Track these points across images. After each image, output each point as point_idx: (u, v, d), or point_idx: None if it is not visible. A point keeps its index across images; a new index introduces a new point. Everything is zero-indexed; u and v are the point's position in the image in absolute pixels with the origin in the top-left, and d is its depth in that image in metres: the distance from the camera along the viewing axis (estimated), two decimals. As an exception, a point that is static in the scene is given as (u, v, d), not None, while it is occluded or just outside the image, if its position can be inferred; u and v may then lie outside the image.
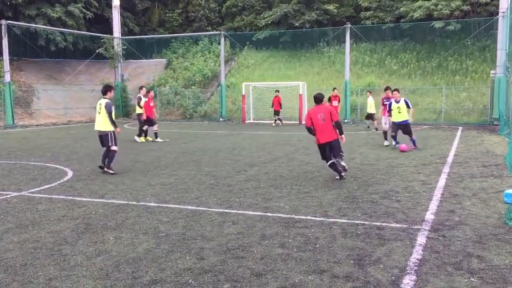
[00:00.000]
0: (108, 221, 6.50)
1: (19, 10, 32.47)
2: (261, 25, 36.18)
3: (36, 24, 31.36)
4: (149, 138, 17.84)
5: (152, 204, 7.49)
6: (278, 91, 25.91)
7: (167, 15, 41.76)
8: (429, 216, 6.59)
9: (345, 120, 26.30)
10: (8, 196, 8.13)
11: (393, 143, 14.59)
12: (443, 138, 17.87)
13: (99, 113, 10.43)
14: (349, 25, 27.86)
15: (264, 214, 6.79)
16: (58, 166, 11.46)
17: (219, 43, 33.27)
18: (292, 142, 17.06)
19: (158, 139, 17.59)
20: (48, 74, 35.17)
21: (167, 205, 7.38)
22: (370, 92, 22.55)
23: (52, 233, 5.91)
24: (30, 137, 19.80)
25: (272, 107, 25.73)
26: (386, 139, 15.47)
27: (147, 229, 6.07)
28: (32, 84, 32.66)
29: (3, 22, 25.94)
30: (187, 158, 12.94)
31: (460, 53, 29.77)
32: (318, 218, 6.52)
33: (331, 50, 34.05)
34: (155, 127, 17.83)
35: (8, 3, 31.42)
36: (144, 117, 17.49)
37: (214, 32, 35.47)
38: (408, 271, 4.58)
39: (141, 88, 18.43)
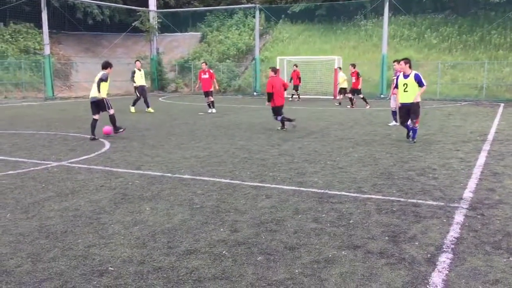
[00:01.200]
0: (144, 192, 6.62)
1: (57, -17, 32.90)
2: (296, -2, 35.57)
3: (74, -3, 31.78)
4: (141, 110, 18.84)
5: (187, 176, 7.58)
6: (296, 65, 25.74)
7: (202, -13, 41.52)
8: (468, 194, 6.43)
9: (382, 95, 25.77)
10: (49, 165, 8.39)
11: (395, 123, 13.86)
12: (484, 114, 17.31)
13: (95, 82, 11.64)
14: (388, -3, 27.03)
15: (298, 188, 6.78)
16: (96, 137, 11.70)
17: (254, 17, 32.94)
18: (325, 117, 16.88)
19: (212, 110, 18.50)
20: (86, 47, 35.76)
21: (201, 178, 7.45)
22: (340, 68, 23.93)
23: (91, 202, 6.08)
24: (69, 109, 20.29)
25: (290, 81, 25.01)
26: (395, 120, 13.85)
27: (182, 201, 6.16)
28: (71, 57, 33.31)
29: (43, -5, 26.38)
30: (221, 131, 13.00)
31: (504, 26, 28.50)
32: (352, 194, 6.46)
33: (368, 23, 33.19)
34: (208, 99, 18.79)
35: (47, -23, 31.87)
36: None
37: (249, 5, 35.07)
38: (444, 249, 4.49)
39: (136, 61, 19.77)
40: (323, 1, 34.38)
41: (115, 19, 36.21)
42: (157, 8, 34.61)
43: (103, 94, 11.56)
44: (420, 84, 10.68)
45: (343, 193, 6.52)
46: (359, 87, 20.14)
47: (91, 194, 6.48)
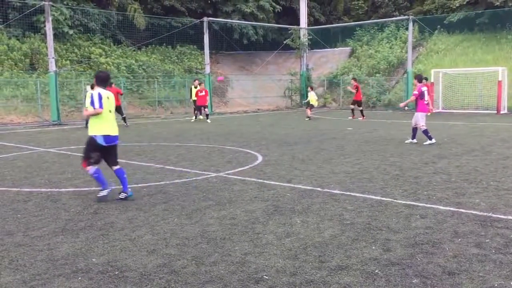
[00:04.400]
0: (295, 204, 6.79)
1: (217, 7, 35.73)
2: (454, 7, 33.31)
3: (231, 19, 34.12)
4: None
5: (336, 191, 7.58)
6: (426, 79, 24.94)
7: (353, 2, 41.40)
8: None
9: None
10: (209, 176, 9.08)
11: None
12: None
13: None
14: None
15: (457, 210, 6.33)
16: (249, 151, 12.35)
17: (406, 29, 31.78)
18: (487, 134, 15.50)
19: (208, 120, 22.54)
20: (241, 66, 38.06)
21: (351, 194, 7.39)
22: (312, 88, 25.57)
23: (246, 212, 6.43)
24: (225, 124, 21.74)
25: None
26: (429, 138, 13.09)
27: (332, 216, 6.18)
28: (227, 75, 35.72)
29: (205, 19, 28.83)
30: (371, 147, 12.74)
31: None
32: (521, 219, 5.83)
33: (539, 30, 29.76)
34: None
35: (209, 1, 34.82)
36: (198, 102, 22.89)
37: (402, 17, 33.93)
38: None
39: (194, 80, 24.25)
40: (485, 9, 31.74)
41: (267, 38, 37.97)
42: (307, 25, 35.41)
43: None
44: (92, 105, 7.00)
45: (510, 217, 5.92)
46: (360, 98, 23.12)
47: (246, 204, 6.85)
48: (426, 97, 13.19)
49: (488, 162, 9.97)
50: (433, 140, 12.99)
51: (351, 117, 23.13)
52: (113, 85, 20.77)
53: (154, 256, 4.82)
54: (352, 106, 23.57)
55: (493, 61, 28.47)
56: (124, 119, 20.85)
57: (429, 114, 24.42)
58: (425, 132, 13.08)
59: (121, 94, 21.33)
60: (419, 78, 13.66)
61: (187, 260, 4.68)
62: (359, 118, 22.47)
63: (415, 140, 13.32)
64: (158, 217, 6.24)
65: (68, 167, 10.28)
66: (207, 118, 22.94)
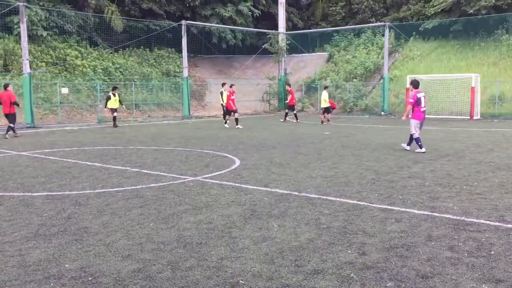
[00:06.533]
0: (272, 209, 6.79)
1: (196, 11, 35.63)
2: (429, 14, 33.97)
3: (210, 23, 34.07)
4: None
5: (313, 195, 7.62)
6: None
7: (331, 8, 41.79)
8: None
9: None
10: (186, 180, 9.02)
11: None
12: None
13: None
14: (535, 9, 24.66)
15: (431, 213, 6.43)
16: (227, 155, 12.32)
17: (383, 35, 32.26)
18: (461, 139, 15.81)
19: (238, 126, 21.14)
20: (219, 70, 37.99)
21: (328, 198, 7.43)
22: (326, 87, 24.64)
23: (222, 216, 6.40)
24: (203, 127, 21.64)
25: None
26: (420, 146, 12.54)
27: (308, 220, 6.20)
28: (205, 78, 35.62)
29: (183, 22, 28.71)
30: (348, 151, 12.85)
31: None
32: (493, 223, 5.95)
33: (511, 38, 30.51)
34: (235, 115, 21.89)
35: (187, 5, 34.71)
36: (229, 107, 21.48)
37: (378, 23, 34.42)
38: None
39: (223, 84, 22.06)
40: (458, 17, 32.42)
41: (246, 42, 38.05)
42: (286, 30, 35.59)
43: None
44: None
45: (482, 221, 6.04)
46: (294, 103, 24.92)
47: (223, 209, 6.82)
48: (423, 103, 12.39)
49: (461, 167, 10.16)
50: (423, 150, 12.35)
51: (282, 120, 25.08)
52: (8, 88, 17.45)
53: (129, 261, 4.76)
54: (286, 111, 25.32)
55: (466, 67, 29.09)
56: (8, 128, 17.25)
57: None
58: (416, 140, 12.49)
59: (14, 101, 17.35)
60: (415, 84, 12.58)
61: (163, 265, 4.64)
62: (293, 121, 24.39)
63: (408, 148, 12.92)
64: (133, 222, 6.17)
65: (41, 171, 10.09)
66: (237, 123, 21.54)
